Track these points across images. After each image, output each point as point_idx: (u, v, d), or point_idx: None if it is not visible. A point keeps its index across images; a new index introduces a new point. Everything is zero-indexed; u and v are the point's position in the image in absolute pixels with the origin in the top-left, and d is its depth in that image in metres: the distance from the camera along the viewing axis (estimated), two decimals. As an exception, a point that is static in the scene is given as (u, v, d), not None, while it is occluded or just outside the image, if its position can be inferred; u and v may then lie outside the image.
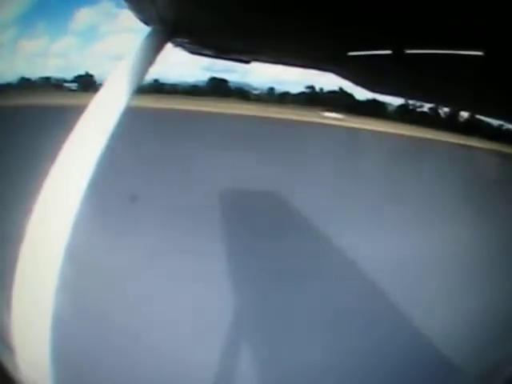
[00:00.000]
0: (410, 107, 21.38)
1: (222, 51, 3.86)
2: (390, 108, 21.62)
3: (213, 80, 22.85)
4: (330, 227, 9.49)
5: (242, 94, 22.84)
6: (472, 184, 13.01)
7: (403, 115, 20.93)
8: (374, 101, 21.33)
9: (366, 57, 2.36)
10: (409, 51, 1.95)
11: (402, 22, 1.45)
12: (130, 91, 2.38)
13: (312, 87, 22.36)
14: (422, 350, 5.95)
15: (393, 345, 5.91)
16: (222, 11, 2.01)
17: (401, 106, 21.24)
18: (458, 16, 1.17)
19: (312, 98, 22.02)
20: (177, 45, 3.61)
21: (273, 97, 22.71)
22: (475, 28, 1.16)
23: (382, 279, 7.47)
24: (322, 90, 22.36)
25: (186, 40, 3.28)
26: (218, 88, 22.89)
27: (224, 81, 22.98)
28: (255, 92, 23.15)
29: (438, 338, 5.99)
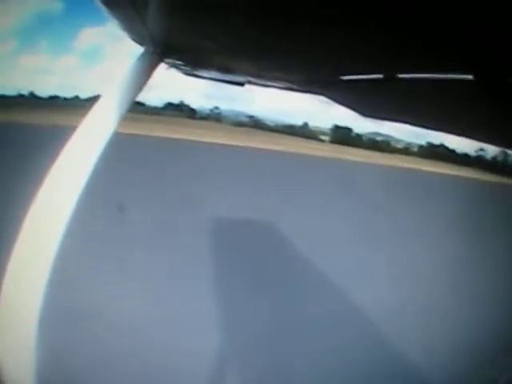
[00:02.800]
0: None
1: (214, 73, 3.88)
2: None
3: (338, 128, 23.32)
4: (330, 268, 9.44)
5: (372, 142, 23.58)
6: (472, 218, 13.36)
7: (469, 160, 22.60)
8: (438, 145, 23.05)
9: (358, 81, 2.37)
10: (400, 75, 1.95)
11: (393, 46, 1.44)
12: (121, 113, 2.36)
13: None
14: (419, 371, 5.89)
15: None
16: (213, 34, 2.00)
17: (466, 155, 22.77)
18: (449, 39, 1.15)
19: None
20: (170, 66, 3.63)
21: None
22: (465, 52, 1.15)
23: (381, 314, 7.40)
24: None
25: (178, 61, 3.29)
26: (344, 136, 23.51)
27: (349, 129, 23.45)
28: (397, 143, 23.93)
29: (437, 357, 5.95)
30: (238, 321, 6.93)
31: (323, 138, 23.77)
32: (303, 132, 23.71)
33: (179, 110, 22.71)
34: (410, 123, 2.95)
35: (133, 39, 2.62)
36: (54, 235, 2.10)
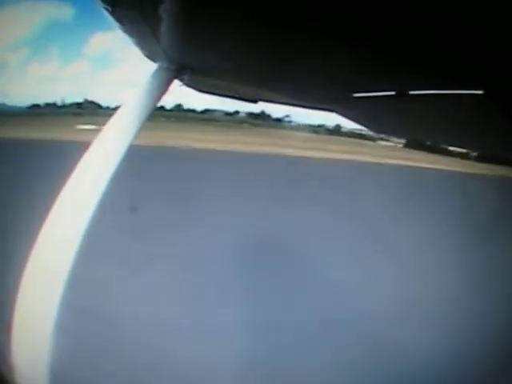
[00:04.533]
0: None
1: (227, 91, 3.92)
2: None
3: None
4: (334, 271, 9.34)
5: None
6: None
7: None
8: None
9: (370, 98, 2.36)
10: (412, 92, 1.94)
11: (405, 63, 1.43)
12: (136, 128, 2.40)
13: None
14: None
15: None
16: (226, 53, 2.03)
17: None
18: (459, 56, 1.14)
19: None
20: (183, 83, 3.67)
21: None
22: (476, 67, 1.13)
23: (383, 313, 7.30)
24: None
25: (192, 78, 3.33)
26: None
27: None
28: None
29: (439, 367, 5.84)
30: (249, 323, 6.87)
31: (391, 144, 23.43)
32: (365, 138, 23.51)
33: (261, 119, 22.74)
34: (423, 139, 2.93)
35: (146, 55, 2.67)
36: (70, 240, 2.12)
